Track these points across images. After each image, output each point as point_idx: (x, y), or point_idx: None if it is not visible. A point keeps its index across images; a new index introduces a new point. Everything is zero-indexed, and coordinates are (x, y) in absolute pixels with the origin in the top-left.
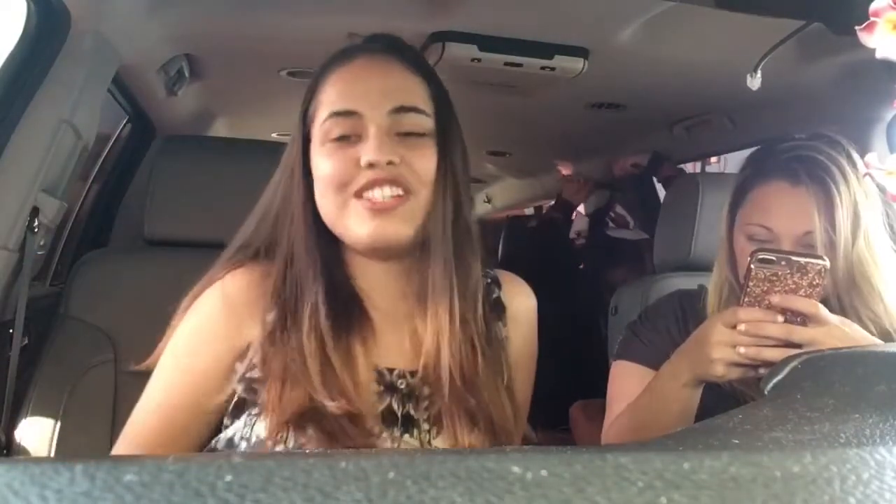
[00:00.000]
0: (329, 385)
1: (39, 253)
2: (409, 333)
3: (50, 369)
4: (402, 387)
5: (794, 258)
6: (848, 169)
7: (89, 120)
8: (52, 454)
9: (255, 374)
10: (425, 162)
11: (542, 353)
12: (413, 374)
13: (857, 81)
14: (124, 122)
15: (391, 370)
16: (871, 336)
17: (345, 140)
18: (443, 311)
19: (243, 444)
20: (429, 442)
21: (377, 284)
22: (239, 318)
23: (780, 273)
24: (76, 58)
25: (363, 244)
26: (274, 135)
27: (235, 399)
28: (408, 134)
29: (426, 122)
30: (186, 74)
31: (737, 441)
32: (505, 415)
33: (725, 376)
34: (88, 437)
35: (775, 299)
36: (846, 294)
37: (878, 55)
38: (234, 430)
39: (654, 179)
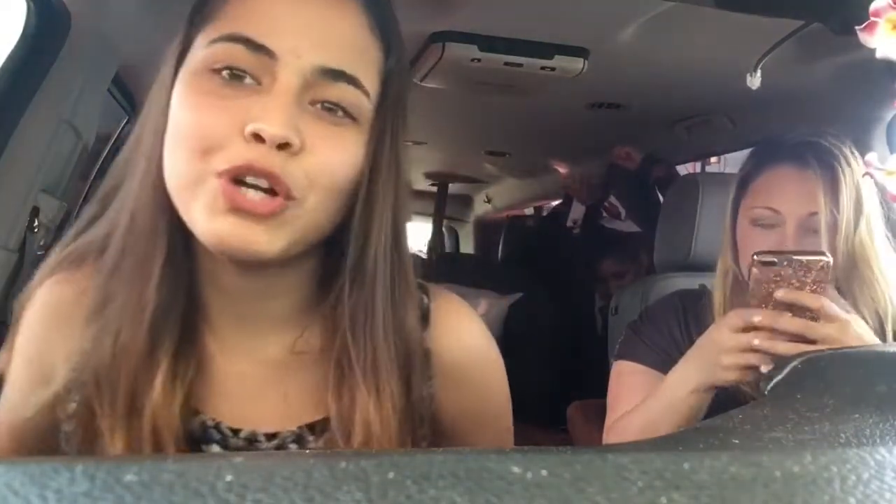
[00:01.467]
0: (131, 438)
1: (39, 253)
2: (267, 376)
3: None
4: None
5: (795, 257)
6: (851, 157)
7: (89, 120)
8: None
9: (70, 426)
10: (333, 156)
11: (542, 353)
12: (272, 437)
13: (857, 81)
14: (124, 122)
15: (235, 430)
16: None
17: (234, 80)
18: (354, 370)
19: None
20: None
21: (234, 299)
22: (54, 350)
23: (783, 273)
24: (76, 58)
25: (210, 245)
26: None
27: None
28: (329, 108)
29: (360, 103)
30: None
31: (737, 441)
32: None
33: (741, 380)
34: None
35: (779, 294)
36: (845, 279)
37: (878, 55)
38: None
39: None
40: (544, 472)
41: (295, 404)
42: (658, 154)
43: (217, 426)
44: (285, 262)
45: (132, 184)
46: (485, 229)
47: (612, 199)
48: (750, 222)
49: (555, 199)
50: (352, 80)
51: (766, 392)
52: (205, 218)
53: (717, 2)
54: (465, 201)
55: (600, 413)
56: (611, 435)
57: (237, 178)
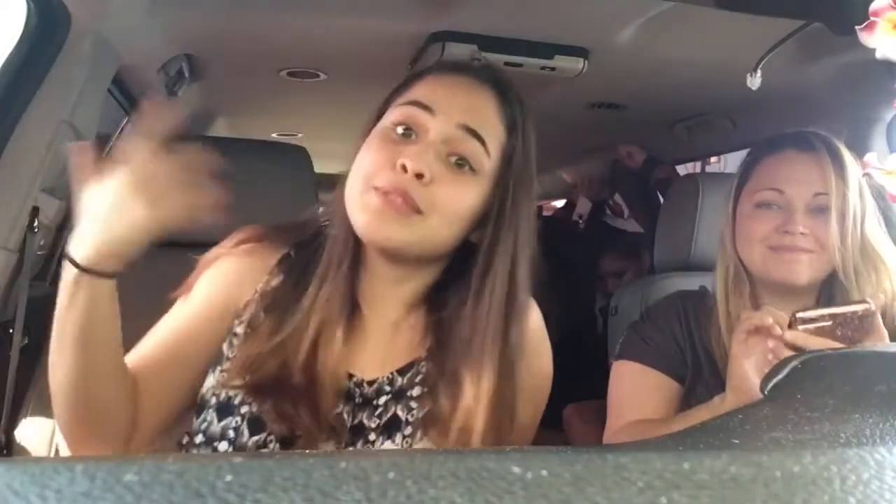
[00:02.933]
0: (307, 365)
1: (39, 253)
2: (385, 343)
3: None
4: (357, 397)
5: (838, 311)
6: (849, 152)
7: (89, 120)
8: (52, 454)
9: (240, 329)
10: (453, 192)
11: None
12: (371, 383)
13: (857, 81)
14: (124, 122)
15: (351, 375)
16: None
17: (405, 135)
18: (472, 370)
19: (213, 400)
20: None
21: (377, 283)
22: (244, 279)
23: (825, 328)
24: (76, 58)
25: (361, 234)
26: (274, 135)
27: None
28: (459, 164)
29: (482, 160)
30: (186, 74)
31: (737, 441)
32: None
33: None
34: None
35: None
36: (855, 270)
37: (878, 55)
38: (208, 385)
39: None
40: (544, 472)
41: (390, 358)
42: (660, 155)
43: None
44: (415, 260)
45: (335, 211)
46: None
47: (617, 198)
48: (753, 206)
49: (554, 199)
50: (480, 139)
51: (766, 392)
52: (360, 213)
53: (717, 2)
54: None
55: (597, 414)
56: (617, 439)
57: (386, 192)
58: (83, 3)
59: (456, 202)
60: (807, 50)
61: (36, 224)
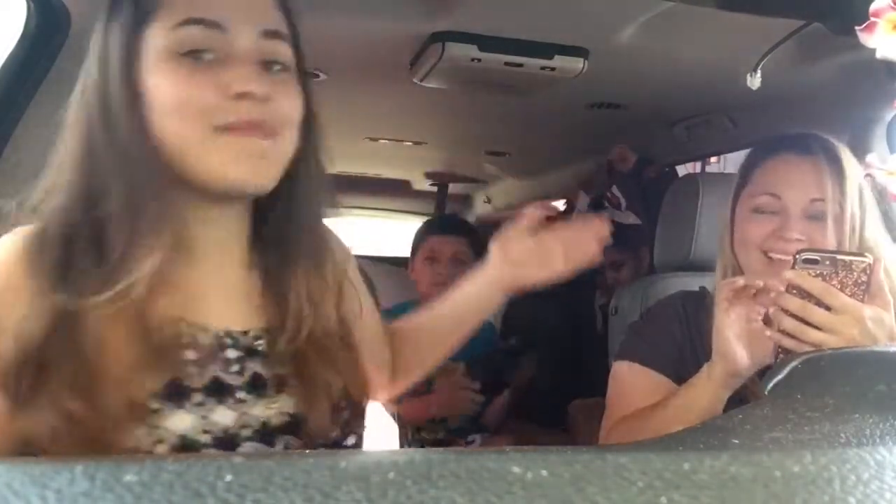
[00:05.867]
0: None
1: None
2: (236, 286)
3: None
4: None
5: (838, 257)
6: (851, 156)
7: None
8: None
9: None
10: (291, 100)
11: (542, 352)
12: (245, 333)
13: (857, 81)
14: None
15: (228, 332)
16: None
17: (198, 59)
18: (304, 271)
19: None
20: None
21: (210, 230)
22: (26, 296)
23: (824, 273)
24: (76, 58)
25: (224, 187)
26: None
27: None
28: (271, 66)
29: (289, 54)
30: None
31: (737, 441)
32: (357, 383)
33: (752, 363)
34: None
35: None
36: None
37: (878, 55)
38: None
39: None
40: (544, 472)
41: (258, 311)
42: (655, 154)
43: (193, 326)
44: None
45: (114, 152)
46: (485, 229)
47: (614, 190)
48: (750, 210)
49: (555, 199)
50: (283, 36)
51: (766, 392)
52: (219, 167)
53: (717, 2)
54: (465, 201)
55: (601, 411)
56: (612, 436)
57: (236, 130)
58: (83, 3)
59: (295, 108)
60: (807, 50)
61: None
